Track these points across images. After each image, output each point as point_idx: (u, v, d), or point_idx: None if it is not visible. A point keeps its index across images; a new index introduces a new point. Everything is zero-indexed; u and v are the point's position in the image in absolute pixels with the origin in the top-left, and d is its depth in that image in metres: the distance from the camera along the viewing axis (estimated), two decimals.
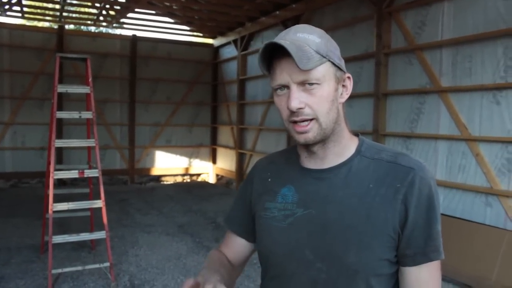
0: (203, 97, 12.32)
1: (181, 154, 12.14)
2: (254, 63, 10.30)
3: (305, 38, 1.07)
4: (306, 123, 1.07)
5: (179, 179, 12.32)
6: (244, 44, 10.48)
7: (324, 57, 1.06)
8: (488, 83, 4.86)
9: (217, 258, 1.27)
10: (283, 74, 1.06)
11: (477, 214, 4.99)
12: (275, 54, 1.07)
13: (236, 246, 1.34)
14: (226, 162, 11.82)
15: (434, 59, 5.59)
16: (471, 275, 4.49)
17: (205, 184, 12.04)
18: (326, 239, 1.09)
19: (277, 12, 8.81)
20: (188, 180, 12.45)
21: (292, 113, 1.07)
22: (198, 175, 12.58)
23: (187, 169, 12.26)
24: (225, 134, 11.93)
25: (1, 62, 10.04)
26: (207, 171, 12.56)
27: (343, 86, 1.14)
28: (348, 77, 1.15)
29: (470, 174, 5.12)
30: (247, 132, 10.72)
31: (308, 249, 1.11)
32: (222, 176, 12.17)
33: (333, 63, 1.09)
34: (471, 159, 5.11)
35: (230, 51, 11.44)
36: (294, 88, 1.06)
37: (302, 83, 1.05)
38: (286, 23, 8.59)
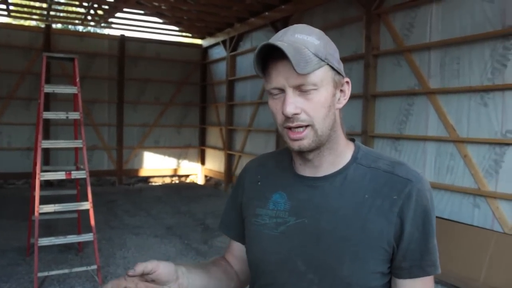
0: (191, 97, 12.27)
1: (170, 155, 12.07)
2: (243, 64, 10.29)
3: (304, 40, 1.01)
4: (301, 129, 1.03)
5: (167, 180, 12.25)
6: (233, 45, 10.46)
7: (323, 61, 1.01)
8: (476, 85, 4.91)
9: (201, 263, 1.27)
10: (279, 77, 1.01)
11: (465, 215, 5.03)
12: (271, 55, 1.02)
13: (235, 250, 1.31)
14: (214, 163, 11.78)
15: (423, 61, 5.62)
16: (459, 276, 4.52)
17: (193, 185, 11.99)
18: (319, 249, 1.06)
19: (266, 13, 8.81)
20: (177, 181, 12.39)
21: (287, 118, 1.02)
22: (187, 176, 12.53)
23: (175, 170, 12.20)
24: (214, 135, 11.90)
25: None
26: (195, 172, 12.50)
27: (341, 91, 1.09)
28: (347, 82, 1.10)
29: (458, 175, 5.15)
30: (236, 133, 10.70)
31: (300, 259, 1.08)
32: (210, 177, 12.13)
33: (331, 67, 1.04)
34: (459, 160, 5.15)
35: (219, 52, 11.41)
36: (290, 93, 1.01)
37: (298, 87, 1.01)
38: (275, 24, 8.60)
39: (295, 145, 1.05)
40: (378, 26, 6.27)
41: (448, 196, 5.25)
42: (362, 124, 6.37)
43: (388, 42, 6.15)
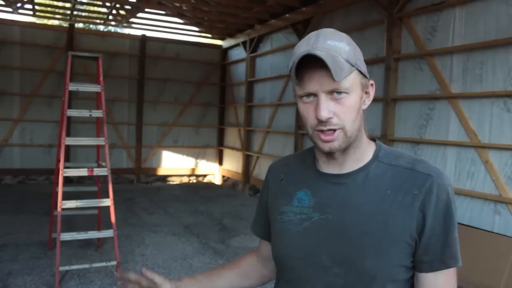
0: (210, 98, 12.35)
1: (188, 154, 12.16)
2: (262, 66, 10.32)
3: (336, 47, 1.05)
4: (332, 131, 1.06)
5: (185, 179, 12.34)
6: (253, 46, 10.50)
7: (353, 66, 1.05)
8: (499, 90, 4.85)
9: (223, 265, 1.43)
10: (312, 82, 1.04)
11: (485, 221, 4.97)
12: (305, 61, 1.04)
13: (263, 250, 1.37)
14: (232, 164, 11.83)
15: (445, 65, 5.57)
16: (478, 283, 4.47)
17: (211, 185, 12.06)
18: (343, 244, 1.09)
19: (287, 15, 8.82)
20: (194, 181, 12.47)
21: (320, 122, 1.05)
22: (204, 176, 12.60)
23: (193, 169, 12.29)
24: (232, 136, 11.95)
25: (12, 59, 10.12)
26: (213, 172, 12.57)
27: (366, 92, 1.13)
28: (372, 84, 1.14)
29: (479, 181, 5.10)
30: (254, 134, 10.73)
31: (325, 254, 1.11)
32: (228, 178, 12.18)
33: (359, 71, 1.08)
34: (480, 166, 5.09)
35: (239, 53, 11.46)
36: (323, 97, 1.04)
37: (331, 92, 1.04)
38: (296, 26, 8.60)
39: (326, 147, 1.09)
40: (399, 29, 6.23)
41: (468, 202, 5.19)
42: (382, 128, 6.34)
43: (409, 46, 6.11)
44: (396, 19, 6.19)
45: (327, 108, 1.04)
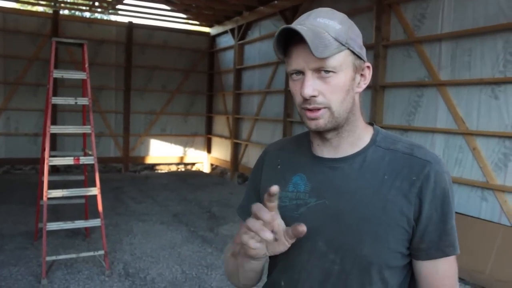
0: (199, 86, 12.25)
1: (176, 142, 12.09)
2: (251, 53, 10.24)
3: (325, 24, 1.03)
4: (317, 109, 1.05)
5: (173, 168, 12.29)
6: (241, 33, 10.41)
7: (343, 45, 1.02)
8: (487, 78, 4.86)
9: None
10: (299, 59, 1.03)
11: (472, 208, 5.01)
12: (292, 39, 1.03)
13: None
14: (221, 152, 11.79)
15: (433, 53, 5.57)
16: (465, 268, 4.51)
17: (199, 173, 12.02)
18: (340, 230, 1.07)
19: (276, 2, 8.74)
20: (183, 169, 12.42)
21: (305, 100, 1.04)
22: (193, 164, 12.55)
23: (181, 158, 12.22)
24: (221, 124, 11.89)
25: None
26: (201, 160, 12.52)
27: (362, 75, 1.11)
28: (368, 67, 1.12)
29: (467, 168, 5.13)
30: (242, 122, 10.69)
31: (321, 240, 1.09)
32: (216, 166, 12.15)
33: (352, 52, 1.05)
34: (467, 153, 5.12)
35: (227, 40, 11.36)
36: (309, 75, 1.03)
37: (318, 70, 1.02)
38: (284, 13, 8.53)
39: (312, 124, 1.07)
40: (388, 16, 6.20)
41: (455, 189, 5.22)
42: (370, 115, 6.34)
43: (398, 33, 6.09)
44: (385, 6, 6.16)
45: (311, 86, 1.02)
